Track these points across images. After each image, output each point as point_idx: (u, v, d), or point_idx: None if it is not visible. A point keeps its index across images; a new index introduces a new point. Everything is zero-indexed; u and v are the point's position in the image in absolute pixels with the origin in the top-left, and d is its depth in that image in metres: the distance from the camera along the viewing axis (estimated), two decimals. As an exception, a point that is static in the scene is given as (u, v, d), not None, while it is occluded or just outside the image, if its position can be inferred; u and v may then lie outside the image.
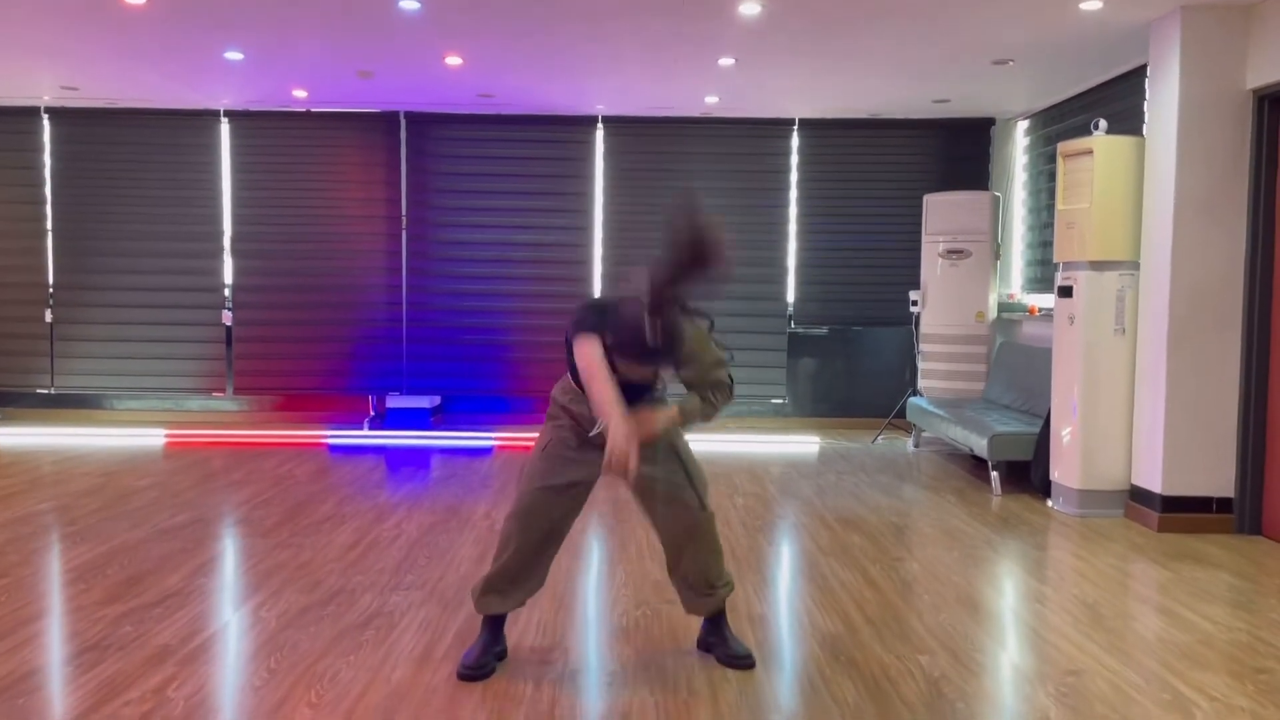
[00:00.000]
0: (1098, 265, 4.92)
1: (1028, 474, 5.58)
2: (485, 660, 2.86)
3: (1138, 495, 4.85)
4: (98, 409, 7.80)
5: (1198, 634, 3.31)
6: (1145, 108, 5.18)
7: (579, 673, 2.90)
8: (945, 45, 5.28)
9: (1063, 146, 5.14)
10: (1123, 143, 4.90)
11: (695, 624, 3.21)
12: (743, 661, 2.95)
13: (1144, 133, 4.96)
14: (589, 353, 2.69)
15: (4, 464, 6.00)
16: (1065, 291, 5.08)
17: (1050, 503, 5.20)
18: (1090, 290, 4.94)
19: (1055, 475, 5.17)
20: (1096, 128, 4.94)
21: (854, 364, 7.85)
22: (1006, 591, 3.77)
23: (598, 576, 3.88)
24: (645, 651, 3.08)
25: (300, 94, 6.83)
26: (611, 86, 6.44)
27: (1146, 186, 4.82)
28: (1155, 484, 4.70)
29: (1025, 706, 2.71)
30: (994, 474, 5.53)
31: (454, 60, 5.72)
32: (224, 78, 6.32)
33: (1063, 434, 5.09)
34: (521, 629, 3.24)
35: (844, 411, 7.84)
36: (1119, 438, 4.95)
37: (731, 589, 3.02)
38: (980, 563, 4.15)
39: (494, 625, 2.92)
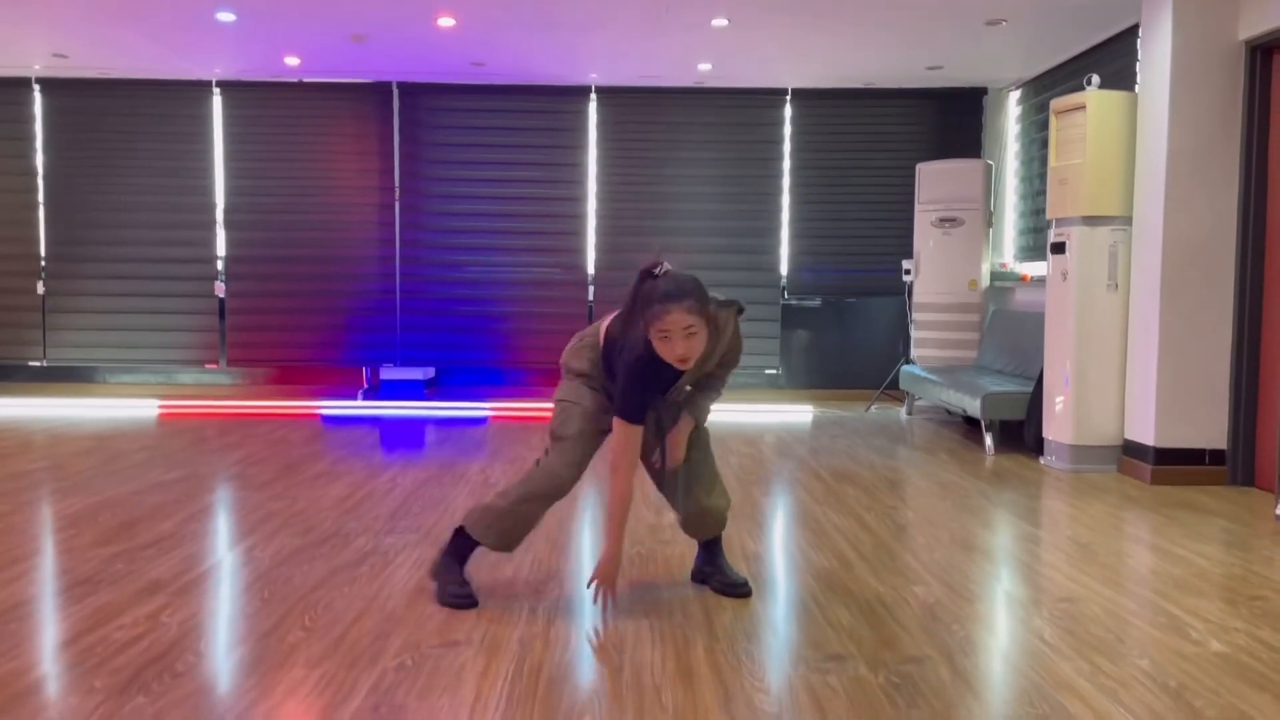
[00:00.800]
0: (1090, 221, 4.92)
1: (1020, 436, 5.59)
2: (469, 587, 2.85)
3: (1131, 449, 4.86)
4: (90, 382, 7.77)
5: (1192, 568, 3.32)
6: (1137, 69, 5.19)
7: (574, 601, 2.90)
8: (938, 3, 5.28)
9: (1056, 103, 5.14)
10: (1116, 97, 4.90)
11: (689, 562, 3.21)
12: (739, 589, 2.95)
13: (1136, 90, 4.97)
14: (630, 445, 2.68)
15: (5, 431, 5.98)
16: (1058, 248, 5.08)
17: (1043, 459, 5.21)
18: (1083, 246, 4.94)
19: (1048, 432, 5.18)
20: (1089, 83, 4.94)
21: (847, 334, 7.85)
22: (1000, 534, 3.78)
23: (592, 521, 3.87)
24: (640, 585, 3.07)
25: (292, 61, 6.80)
26: (604, 50, 6.43)
27: (1139, 142, 4.82)
28: (1148, 437, 4.71)
29: (1020, 629, 2.71)
30: (987, 433, 5.54)
31: (446, 21, 5.71)
32: (215, 43, 6.29)
33: (1055, 390, 5.10)
34: (516, 565, 3.24)
35: (837, 382, 7.85)
36: (1112, 393, 4.96)
37: (729, 502, 3.04)
38: (974, 511, 4.15)
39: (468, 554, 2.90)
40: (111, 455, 5.17)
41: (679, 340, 2.57)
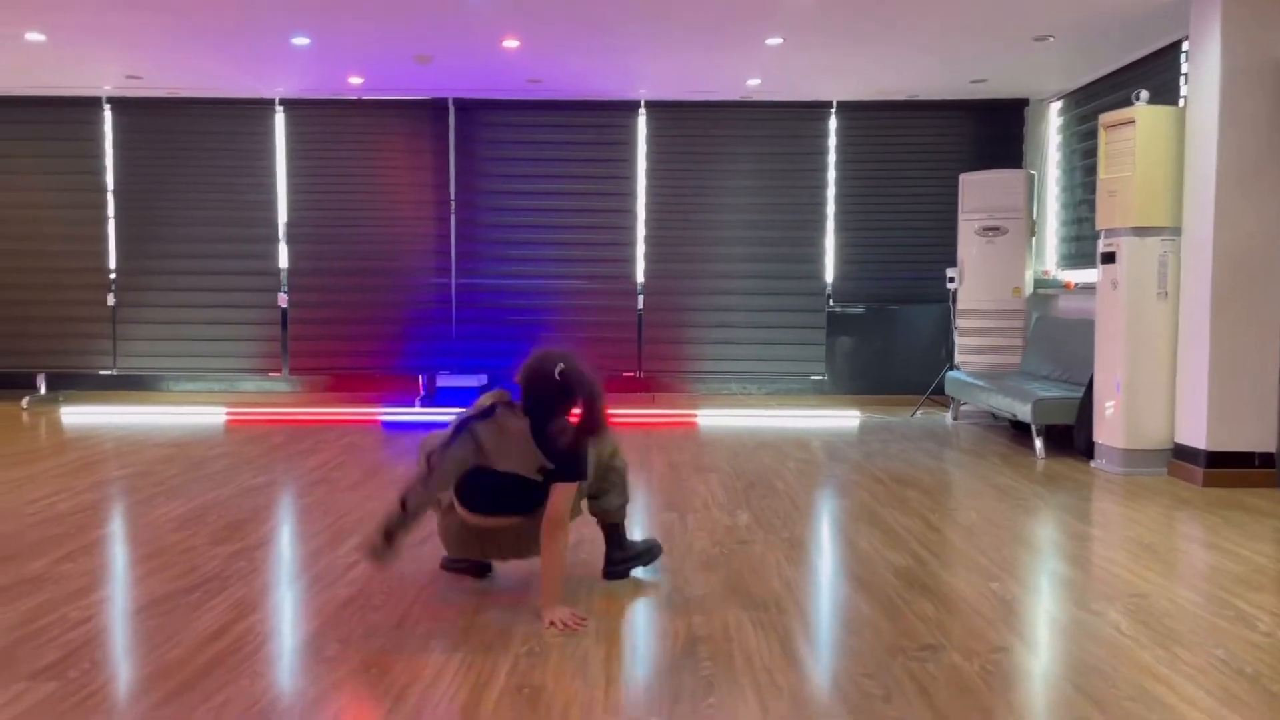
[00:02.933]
0: (1140, 231, 5.09)
1: (1068, 441, 5.74)
2: None
3: (1181, 453, 5.02)
4: (155, 390, 8.05)
5: (1251, 565, 3.48)
6: (1181, 82, 5.35)
7: (672, 594, 3.10)
8: (988, 21, 5.46)
9: (1104, 118, 5.31)
10: (1164, 112, 5.07)
11: (776, 558, 3.40)
12: (650, 555, 3.30)
13: (1180, 104, 5.12)
14: (567, 505, 2.93)
15: (75, 438, 6.24)
16: (1108, 258, 5.25)
17: (1094, 463, 5.37)
18: (1133, 255, 5.11)
19: (1099, 436, 5.34)
20: (1138, 98, 5.11)
21: (890, 341, 8.02)
22: (1062, 534, 3.95)
23: (675, 524, 4.07)
24: (730, 580, 3.27)
25: (356, 80, 7.06)
26: (658, 69, 6.64)
27: (1187, 155, 4.99)
28: (1199, 441, 4.86)
29: (1097, 621, 2.89)
30: (1038, 438, 5.70)
31: (511, 43, 5.94)
32: (284, 64, 6.55)
33: (1106, 395, 5.26)
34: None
35: (881, 388, 8.02)
36: (1162, 397, 5.12)
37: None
38: (1032, 512, 4.32)
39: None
40: (194, 461, 5.41)
41: None
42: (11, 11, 5.40)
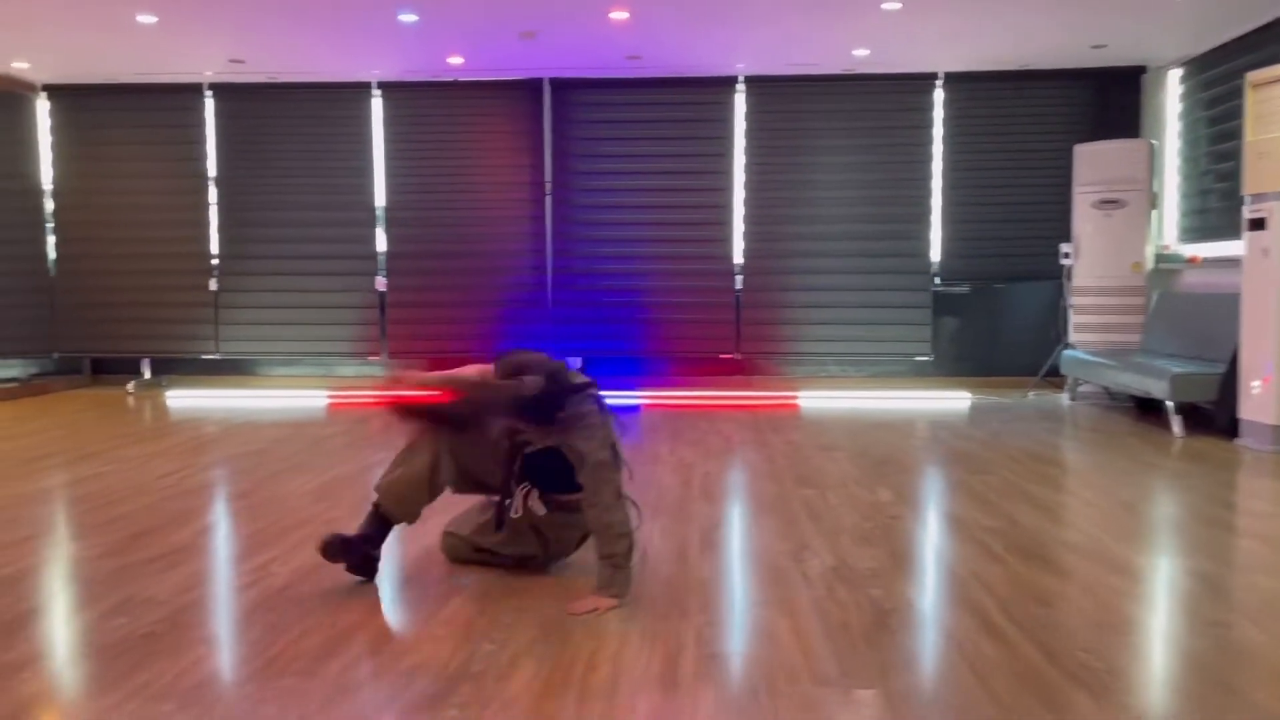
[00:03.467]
0: (1293, 195, 4.80)
1: (1201, 419, 5.46)
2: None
3: (1340, 429, 4.73)
4: (252, 374, 8.11)
5: None
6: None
7: (840, 566, 2.95)
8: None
9: (1252, 76, 5.03)
10: (1320, 68, 4.78)
11: (933, 533, 3.24)
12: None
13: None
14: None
15: (186, 419, 6.29)
16: (1257, 224, 4.97)
17: (1239, 441, 5.09)
18: (1285, 221, 4.82)
19: (1244, 413, 5.06)
20: (1291, 54, 4.82)
21: (997, 320, 7.76)
22: (1238, 512, 3.72)
23: (817, 500, 3.93)
24: (894, 554, 3.12)
25: (455, 60, 7.01)
26: (761, 40, 6.47)
27: (1346, 112, 4.69)
28: (1362, 415, 4.58)
29: (1308, 596, 2.69)
30: (1175, 416, 5.44)
31: (620, 14, 5.82)
32: (387, 44, 6.52)
33: (1253, 371, 4.98)
34: (781, 536, 3.31)
35: (986, 369, 7.76)
36: (1318, 371, 4.83)
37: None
38: (1196, 490, 4.10)
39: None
40: (313, 440, 5.40)
41: None
42: (126, -8, 5.43)
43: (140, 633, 2.42)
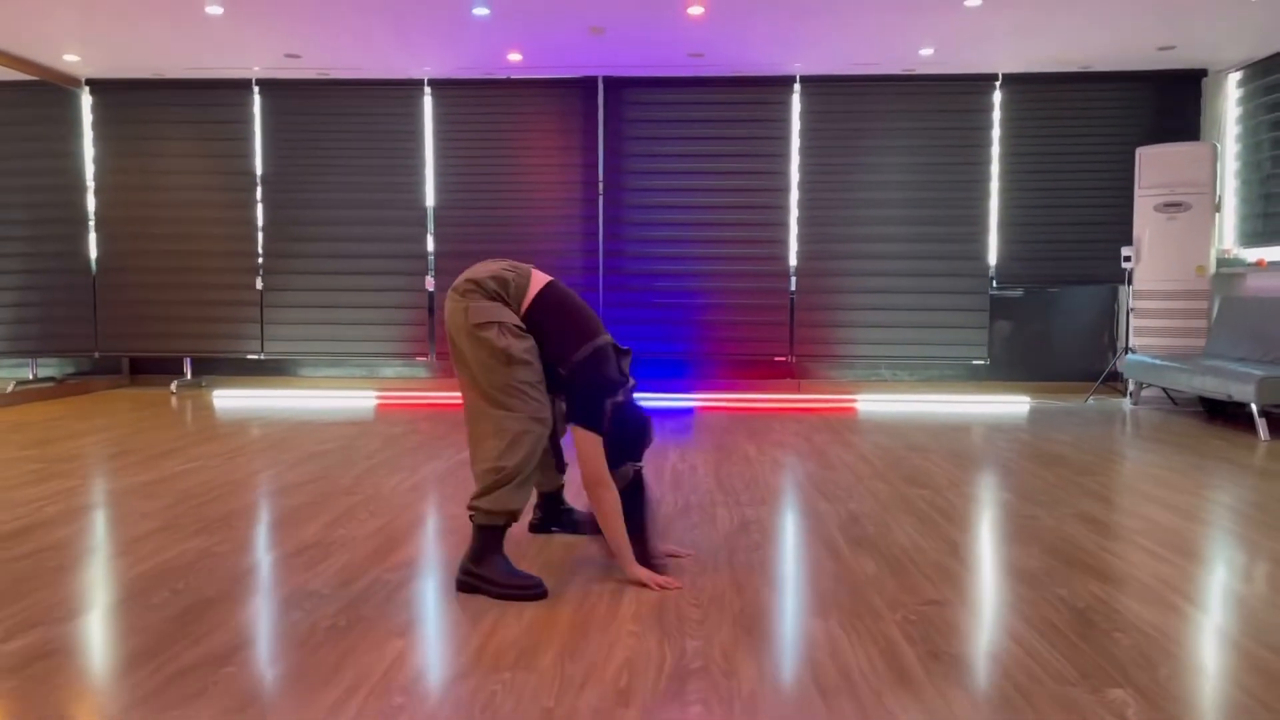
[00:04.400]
0: (1393, 195, 4.76)
1: (1273, 422, 5.42)
2: None
3: None
4: (293, 375, 7.99)
5: None
6: None
7: (1007, 567, 2.87)
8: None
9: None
10: None
11: (1077, 531, 3.16)
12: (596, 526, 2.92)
13: None
14: (601, 452, 2.59)
15: (249, 418, 6.16)
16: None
17: (1333, 444, 5.05)
18: (1384, 221, 4.77)
19: (1337, 416, 5.01)
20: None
21: (1052, 324, 7.71)
22: (1369, 510, 3.67)
23: (933, 499, 3.85)
24: (1054, 552, 3.04)
25: (515, 57, 6.92)
26: (828, 38, 6.41)
27: None
28: None
29: None
30: (1260, 419, 5.38)
31: (696, 9, 5.75)
32: (450, 39, 6.43)
33: (1350, 372, 4.93)
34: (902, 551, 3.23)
35: (1042, 374, 7.71)
36: None
37: None
38: (1313, 489, 4.03)
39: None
40: (388, 439, 5.29)
41: None
42: (198, -17, 5.32)
43: (324, 626, 2.31)
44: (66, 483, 4.02)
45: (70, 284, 7.74)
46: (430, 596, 2.56)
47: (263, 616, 2.39)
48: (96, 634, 2.27)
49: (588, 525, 3.17)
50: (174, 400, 7.17)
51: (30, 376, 7.83)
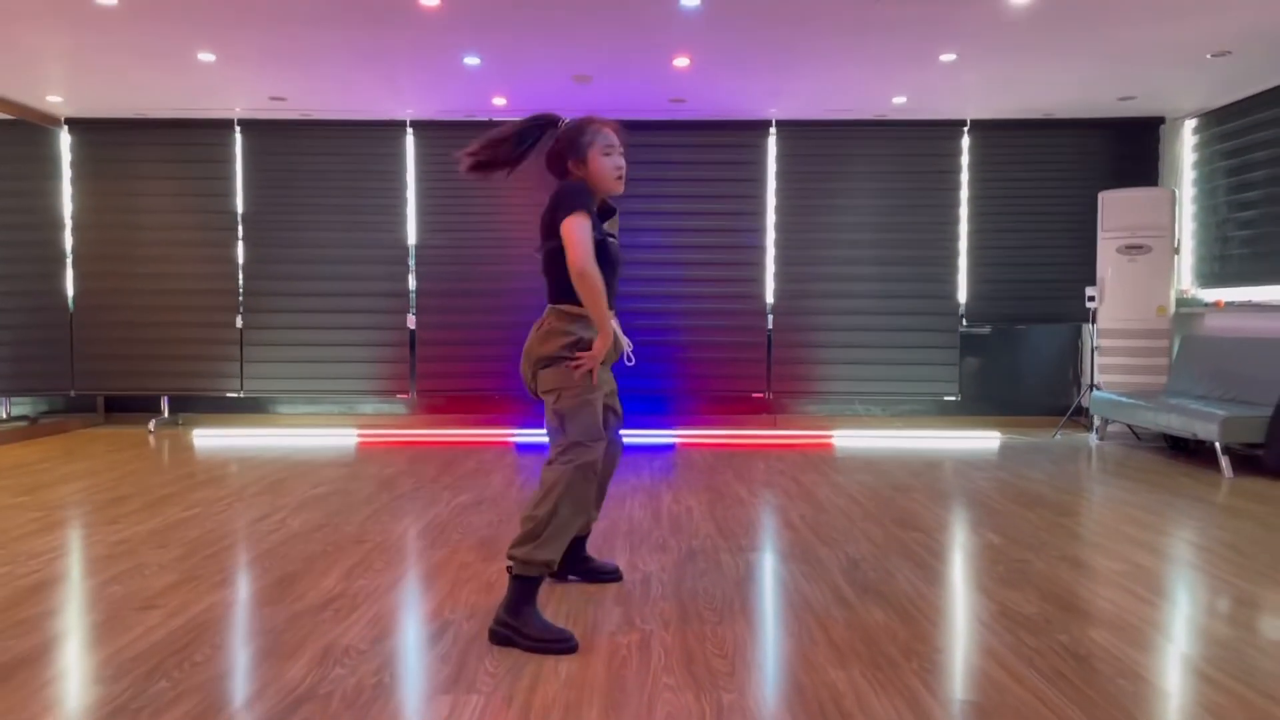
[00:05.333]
0: (1345, 246, 5.03)
1: (1237, 459, 5.65)
2: None
3: (1395, 469, 4.94)
4: (270, 412, 7.99)
5: None
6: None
7: (1001, 614, 3.02)
8: (1165, 37, 5.44)
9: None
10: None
11: (1068, 576, 3.32)
12: (613, 574, 3.29)
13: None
14: (589, 236, 2.69)
15: (232, 460, 6.17)
16: (1308, 273, 5.19)
17: (1292, 481, 5.29)
18: (1338, 270, 5.05)
19: (1297, 454, 5.26)
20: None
21: (1019, 361, 7.96)
22: (1334, 550, 3.88)
23: (923, 543, 3.99)
24: (1048, 596, 3.19)
25: (499, 101, 7.05)
26: (804, 86, 6.62)
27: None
28: None
29: None
30: (1224, 456, 5.63)
31: (682, 61, 5.92)
32: (439, 84, 6.54)
33: (1308, 412, 5.18)
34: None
35: (1009, 409, 7.95)
36: (1371, 414, 5.04)
37: None
38: (1274, 529, 4.25)
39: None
40: (380, 481, 5.33)
41: (618, 154, 2.87)
42: (190, 28, 5.38)
43: (369, 684, 2.39)
44: (71, 532, 4.04)
45: (46, 321, 7.69)
46: (465, 649, 2.64)
47: (309, 674, 2.46)
48: (154, 694, 2.33)
49: (605, 577, 3.27)
50: (152, 440, 7.13)
51: (3, 415, 7.75)
